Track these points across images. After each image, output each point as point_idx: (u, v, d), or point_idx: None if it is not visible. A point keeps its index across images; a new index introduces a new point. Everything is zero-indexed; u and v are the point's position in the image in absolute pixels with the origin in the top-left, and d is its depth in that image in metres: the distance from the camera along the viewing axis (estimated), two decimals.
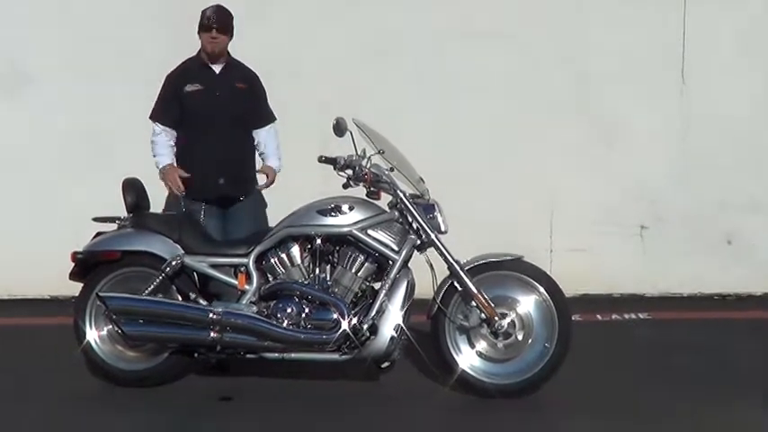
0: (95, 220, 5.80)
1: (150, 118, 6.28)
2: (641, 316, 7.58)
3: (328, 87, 7.65)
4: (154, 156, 6.24)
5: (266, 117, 6.44)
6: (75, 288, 5.80)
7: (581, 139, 8.04)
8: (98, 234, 5.80)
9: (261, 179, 6.43)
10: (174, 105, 6.22)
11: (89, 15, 7.84)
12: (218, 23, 6.14)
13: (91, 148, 7.74)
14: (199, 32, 6.22)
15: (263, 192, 6.47)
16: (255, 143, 6.42)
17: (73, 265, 5.72)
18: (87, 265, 5.71)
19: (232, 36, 6.29)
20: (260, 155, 6.46)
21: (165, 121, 6.25)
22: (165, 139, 6.25)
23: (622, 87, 8.03)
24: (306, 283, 5.47)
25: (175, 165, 6.20)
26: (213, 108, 6.19)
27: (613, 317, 7.55)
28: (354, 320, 5.32)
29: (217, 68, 6.27)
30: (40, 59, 7.87)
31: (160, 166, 6.21)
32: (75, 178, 7.74)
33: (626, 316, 7.58)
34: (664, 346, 6.66)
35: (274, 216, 5.61)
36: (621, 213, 8.15)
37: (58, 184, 7.78)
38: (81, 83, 7.78)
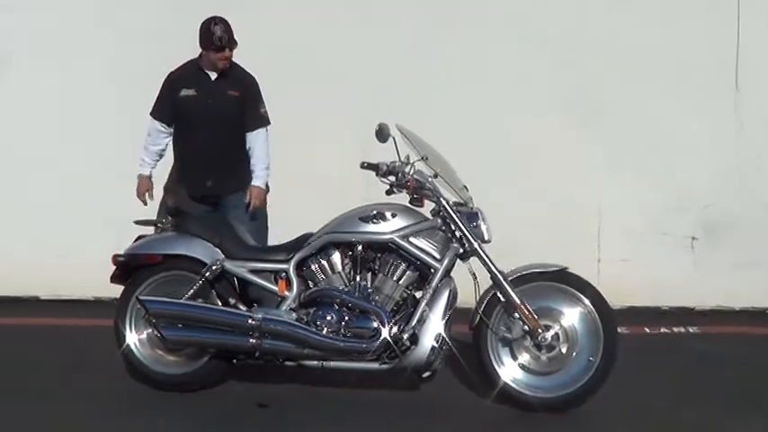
0: (137, 223, 5.83)
1: (150, 114, 6.57)
2: (691, 330, 7.43)
3: (370, 93, 7.56)
4: (142, 155, 6.62)
5: (256, 120, 6.53)
6: (120, 290, 5.78)
7: (630, 146, 7.91)
8: (139, 237, 5.81)
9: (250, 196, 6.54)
10: (170, 107, 6.50)
11: (128, 17, 7.86)
12: (229, 43, 6.34)
13: (136, 149, 7.71)
14: (206, 49, 6.37)
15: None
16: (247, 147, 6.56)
17: (114, 267, 5.73)
18: (128, 268, 5.72)
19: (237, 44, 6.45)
20: (250, 159, 6.57)
21: (161, 118, 6.55)
22: (156, 141, 6.59)
23: (674, 93, 7.88)
24: (346, 290, 5.42)
25: (151, 178, 6.63)
26: (204, 113, 6.42)
27: (662, 330, 7.40)
28: (395, 329, 5.25)
29: (213, 75, 6.47)
30: (79, 61, 7.91)
31: (139, 171, 6.63)
32: (120, 180, 7.70)
33: (675, 329, 7.43)
34: (714, 361, 6.51)
35: (316, 222, 5.54)
36: (671, 223, 7.98)
37: (102, 186, 7.76)
38: (125, 83, 7.77)
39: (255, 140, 6.50)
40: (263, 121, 6.53)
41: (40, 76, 7.91)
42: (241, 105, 6.47)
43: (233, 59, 6.49)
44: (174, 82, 6.53)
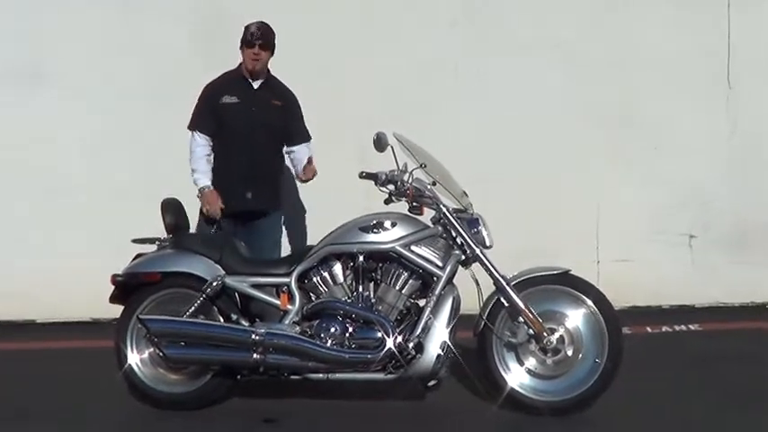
0: (135, 241, 5.75)
1: (188, 127, 6.38)
2: (692, 327, 7.46)
3: (369, 101, 7.58)
4: (192, 169, 6.34)
5: (301, 135, 6.46)
6: (118, 310, 5.71)
7: (627, 147, 7.96)
8: (138, 256, 5.74)
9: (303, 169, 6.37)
10: (210, 116, 6.31)
11: (146, 41, 7.83)
12: (261, 39, 6.22)
13: (131, 170, 7.68)
14: (241, 47, 6.27)
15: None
16: (290, 159, 6.47)
17: (113, 287, 5.67)
18: (127, 288, 5.65)
19: (273, 53, 6.34)
20: (294, 170, 6.49)
21: (203, 129, 6.35)
22: (204, 152, 6.35)
23: (668, 94, 7.93)
24: (349, 301, 5.39)
25: (212, 187, 6.28)
26: (247, 122, 6.27)
27: (663, 329, 7.42)
28: (399, 339, 5.22)
29: (255, 84, 6.34)
30: (80, 78, 7.88)
31: (199, 185, 6.30)
32: (116, 198, 7.69)
33: (676, 327, 7.46)
34: (716, 357, 6.52)
35: (317, 233, 5.52)
36: (669, 222, 8.05)
37: (99, 205, 7.73)
38: (124, 101, 7.75)
39: (302, 154, 6.39)
40: (306, 136, 6.46)
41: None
42: (284, 116, 6.37)
43: (274, 74, 6.43)
44: (213, 90, 6.36)
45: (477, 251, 5.30)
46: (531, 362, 5.38)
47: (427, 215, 5.43)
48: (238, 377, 5.52)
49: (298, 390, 5.63)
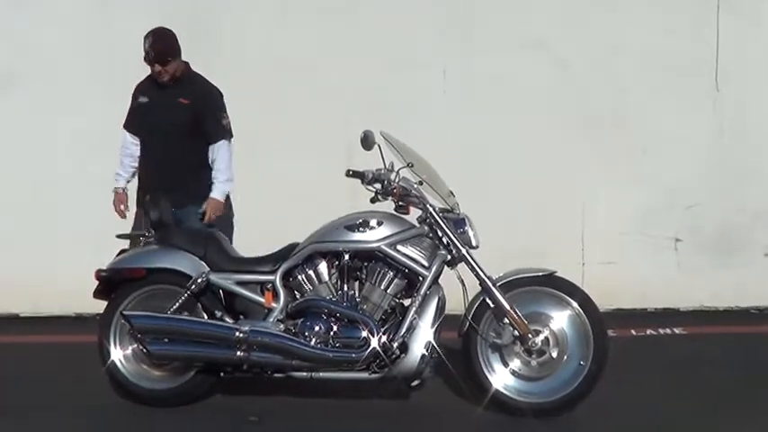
0: (119, 237, 5.74)
1: (122, 126, 6.55)
2: (676, 331, 7.45)
3: (355, 100, 7.56)
4: (117, 168, 6.59)
5: (217, 132, 6.41)
6: (101, 306, 5.69)
7: (613, 149, 7.95)
8: (122, 251, 5.72)
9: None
10: (134, 116, 6.51)
11: (130, 40, 7.74)
12: (156, 59, 6.26)
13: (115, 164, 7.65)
14: None
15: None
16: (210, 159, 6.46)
17: (97, 283, 5.64)
18: (111, 283, 5.62)
19: (178, 57, 6.35)
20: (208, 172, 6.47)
21: (129, 128, 6.54)
22: (128, 151, 6.57)
23: (656, 97, 7.93)
24: (334, 300, 5.36)
25: (126, 191, 6.59)
26: (154, 121, 6.39)
27: (648, 332, 7.41)
28: (384, 338, 5.20)
29: (165, 83, 6.37)
30: (68, 76, 7.86)
31: (115, 185, 6.61)
32: (101, 194, 7.62)
33: (661, 331, 7.44)
34: (700, 361, 6.51)
35: (302, 231, 5.49)
36: (655, 225, 8.03)
37: (83, 201, 7.68)
38: (107, 100, 7.67)
39: (217, 152, 6.38)
40: (225, 133, 6.42)
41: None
42: (193, 114, 6.32)
43: (196, 70, 6.47)
44: (135, 90, 6.53)
45: (463, 251, 5.28)
46: (515, 363, 5.37)
47: (413, 214, 5.42)
48: (222, 374, 5.50)
49: (281, 388, 5.60)
